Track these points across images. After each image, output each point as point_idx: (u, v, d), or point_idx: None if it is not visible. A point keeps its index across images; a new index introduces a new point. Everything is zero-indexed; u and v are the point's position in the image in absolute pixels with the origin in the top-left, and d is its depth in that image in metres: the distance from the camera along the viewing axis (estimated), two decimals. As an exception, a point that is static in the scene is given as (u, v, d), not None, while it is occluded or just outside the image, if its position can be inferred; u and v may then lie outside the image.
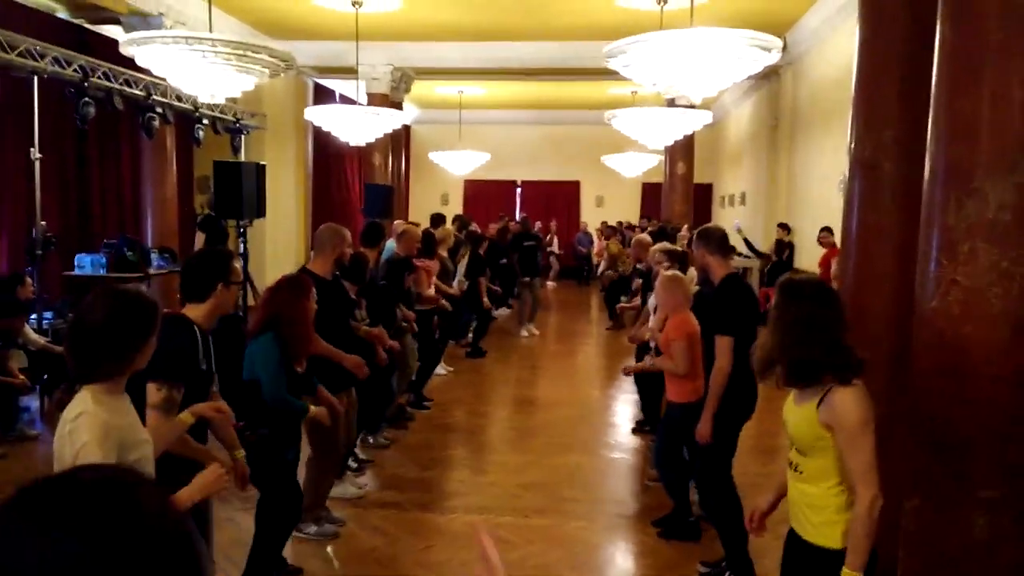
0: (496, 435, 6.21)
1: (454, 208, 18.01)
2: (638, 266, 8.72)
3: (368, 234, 5.42)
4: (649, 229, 10.00)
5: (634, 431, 6.23)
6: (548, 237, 17.65)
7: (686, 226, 10.06)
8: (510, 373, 8.71)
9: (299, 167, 12.87)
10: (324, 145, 13.33)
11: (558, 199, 20.41)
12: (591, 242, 18.57)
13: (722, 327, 3.47)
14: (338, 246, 4.06)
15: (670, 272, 4.18)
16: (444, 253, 7.82)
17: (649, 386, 4.99)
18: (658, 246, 5.62)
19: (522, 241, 10.81)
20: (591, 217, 19.75)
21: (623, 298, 12.02)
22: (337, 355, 3.93)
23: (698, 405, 3.66)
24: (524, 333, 10.47)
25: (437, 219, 8.82)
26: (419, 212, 17.81)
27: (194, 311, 2.60)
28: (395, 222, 7.23)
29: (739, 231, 11.17)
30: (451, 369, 8.26)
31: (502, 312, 12.63)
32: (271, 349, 3.20)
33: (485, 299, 9.22)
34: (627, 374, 4.39)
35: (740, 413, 3.54)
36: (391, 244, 6.50)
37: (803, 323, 2.07)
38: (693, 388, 3.88)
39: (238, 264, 2.70)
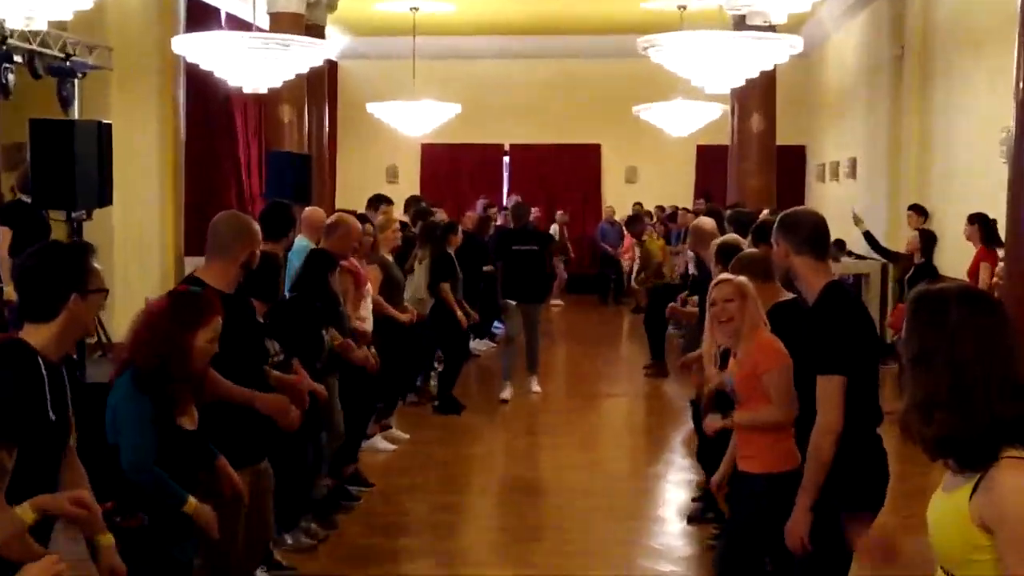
0: (475, 539, 6.30)
1: (406, 188, 18.01)
2: (690, 271, 8.87)
3: (269, 221, 5.45)
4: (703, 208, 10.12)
5: (691, 521, 6.33)
6: (553, 231, 17.75)
7: (766, 211, 10.07)
8: (497, 440, 8.85)
9: (165, 128, 12.74)
10: (204, 94, 13.35)
11: (569, 173, 20.57)
12: (620, 237, 18.78)
13: (827, 362, 3.50)
14: (247, 246, 4.22)
15: (741, 278, 4.23)
16: (387, 255, 7.86)
17: (714, 447, 4.97)
18: (721, 240, 5.72)
19: (512, 243, 10.12)
20: (620, 198, 19.92)
21: (671, 327, 12.10)
22: (247, 396, 4.12)
23: (793, 478, 3.70)
24: (505, 396, 9.94)
25: (376, 203, 8.89)
26: (353, 194, 17.89)
27: (37, 335, 2.65)
28: (309, 210, 7.16)
29: (858, 221, 11.00)
30: (406, 436, 8.28)
31: (481, 346, 12.70)
32: (137, 399, 3.28)
33: (459, 313, 9.30)
34: (711, 435, 4.41)
35: (859, 501, 3.53)
36: (301, 242, 6.58)
37: (970, 364, 2.04)
38: (787, 449, 3.92)
39: (98, 266, 2.81)
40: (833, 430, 3.48)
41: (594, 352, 13.51)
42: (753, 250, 5.11)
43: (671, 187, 19.36)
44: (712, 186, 17.75)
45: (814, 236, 3.72)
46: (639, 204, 18.48)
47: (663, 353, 11.38)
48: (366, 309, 6.80)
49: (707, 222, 7.18)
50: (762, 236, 5.47)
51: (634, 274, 15.99)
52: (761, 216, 8.72)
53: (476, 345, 12.46)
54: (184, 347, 3.37)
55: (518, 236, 10.19)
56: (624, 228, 16.92)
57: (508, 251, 10.10)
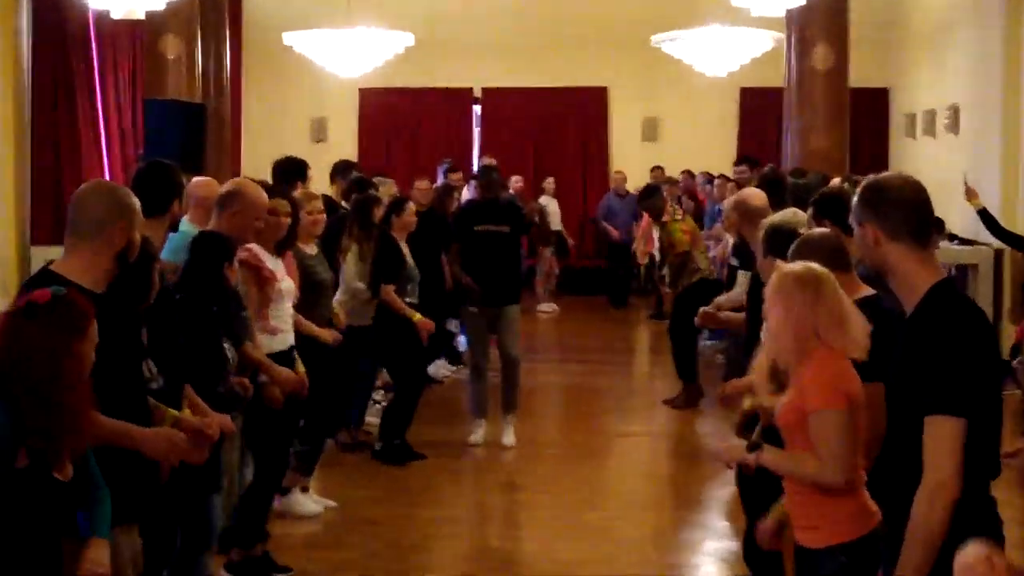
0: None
1: (339, 149, 18.00)
2: (732, 262, 8.86)
3: (143, 191, 5.34)
4: (754, 183, 9.95)
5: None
6: (533, 209, 17.74)
7: (838, 178, 9.99)
8: (464, 501, 8.89)
9: (2, 71, 12.74)
10: (58, 23, 13.21)
11: (564, 128, 20.67)
12: (634, 215, 18.74)
13: (943, 399, 3.53)
14: (124, 228, 4.30)
15: (789, 267, 4.22)
16: (310, 247, 7.78)
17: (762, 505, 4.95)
18: (774, 220, 5.70)
19: (473, 221, 9.94)
20: (635, 162, 19.92)
21: (705, 338, 11.88)
22: (126, 433, 4.23)
23: (865, 547, 3.87)
24: (474, 439, 9.90)
25: (290, 169, 8.66)
26: (264, 159, 17.74)
27: None
28: (196, 182, 7.04)
29: (972, 196, 10.79)
30: (331, 503, 8.26)
31: (443, 369, 12.68)
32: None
33: (416, 319, 9.23)
34: (746, 467, 4.43)
35: None
36: (185, 229, 6.53)
37: None
38: (856, 512, 4.03)
39: None
40: (948, 490, 3.50)
41: (598, 375, 13.51)
42: (822, 230, 5.09)
43: (705, 146, 19.42)
44: (761, 144, 17.74)
45: (916, 214, 3.72)
46: (659, 169, 18.40)
47: (695, 374, 11.41)
48: (279, 318, 6.77)
49: (754, 195, 7.16)
50: (829, 211, 5.44)
51: (657, 268, 15.93)
52: (831, 185, 8.68)
53: (436, 368, 12.43)
54: (61, 355, 3.65)
55: (483, 212, 9.94)
56: (640, 206, 16.63)
57: (468, 233, 9.91)
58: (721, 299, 8.52)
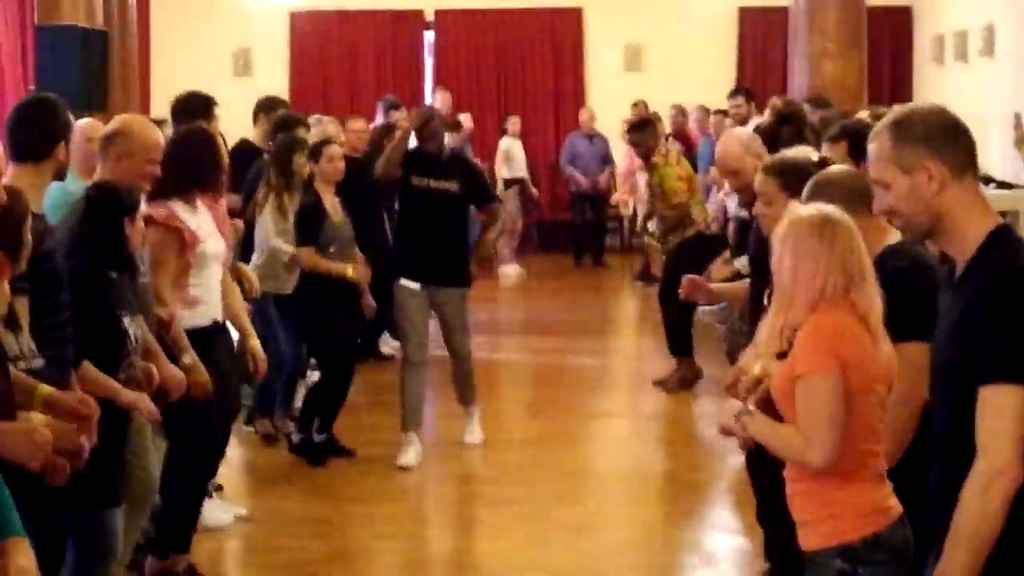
0: None
1: (267, 83, 17.83)
2: (734, 212, 8.78)
3: (21, 129, 5.36)
4: (758, 120, 9.85)
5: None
6: (504, 150, 17.67)
7: (866, 112, 9.89)
8: (410, 503, 8.79)
9: None
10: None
11: (532, 56, 20.71)
12: (604, 160, 18.62)
13: (1005, 363, 3.47)
14: None
15: (802, 210, 4.19)
16: (222, 201, 7.60)
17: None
18: (782, 157, 5.58)
19: (411, 176, 9.20)
20: (615, 96, 19.87)
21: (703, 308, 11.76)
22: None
23: (872, 550, 3.93)
24: (404, 462, 9.03)
25: (193, 107, 8.49)
26: (177, 93, 17.65)
27: None
28: (81, 124, 6.98)
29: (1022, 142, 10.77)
30: (240, 513, 8.07)
31: (388, 347, 12.61)
32: None
33: (349, 269, 9.00)
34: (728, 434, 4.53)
35: None
36: (70, 185, 6.40)
37: None
38: (862, 506, 4.03)
39: None
40: (1007, 478, 3.43)
41: (575, 352, 13.54)
42: (843, 166, 5.07)
43: (697, 77, 19.43)
44: (764, 74, 17.75)
45: (973, 147, 3.67)
46: (642, 104, 18.27)
47: (690, 347, 11.32)
48: (202, 287, 6.75)
49: (748, 136, 7.12)
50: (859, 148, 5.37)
51: (640, 219, 15.82)
52: (858, 118, 8.58)
53: (389, 345, 12.42)
54: None
55: (424, 164, 9.26)
56: (629, 142, 16.03)
57: (407, 191, 9.43)
58: (736, 263, 8.43)
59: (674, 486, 9.04)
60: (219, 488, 8.01)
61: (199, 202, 6.76)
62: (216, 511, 7.74)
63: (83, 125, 7.00)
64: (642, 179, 14.83)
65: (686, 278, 7.15)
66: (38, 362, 4.66)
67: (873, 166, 3.71)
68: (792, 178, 5.19)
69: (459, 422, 9.73)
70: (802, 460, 4.00)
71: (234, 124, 10.92)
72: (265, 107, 10.92)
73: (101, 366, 5.36)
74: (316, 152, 9.26)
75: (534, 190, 19.31)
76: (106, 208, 5.69)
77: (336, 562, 7.36)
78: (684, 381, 11.19)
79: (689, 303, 10.51)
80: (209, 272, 6.79)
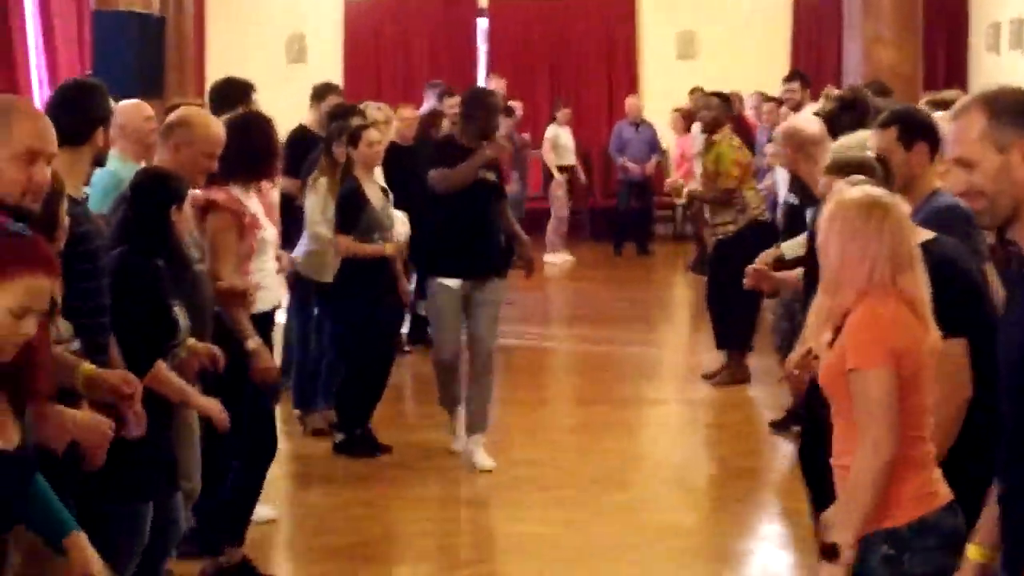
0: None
1: (320, 71, 17.84)
2: (789, 198, 8.63)
3: (61, 113, 5.29)
4: (815, 107, 9.74)
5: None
6: (552, 137, 17.59)
7: (925, 98, 9.75)
8: (461, 485, 8.69)
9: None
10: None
11: (585, 45, 20.67)
12: (651, 148, 18.70)
13: None
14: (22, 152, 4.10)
15: (851, 191, 4.13)
16: (273, 185, 7.64)
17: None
18: (844, 144, 5.59)
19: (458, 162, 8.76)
20: (668, 83, 19.90)
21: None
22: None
23: (920, 534, 3.89)
24: (458, 446, 8.95)
25: (229, 93, 8.50)
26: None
27: None
28: (125, 106, 6.93)
29: None
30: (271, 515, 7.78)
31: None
32: None
33: (388, 247, 8.73)
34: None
35: None
36: (115, 164, 6.45)
37: None
38: (907, 491, 3.97)
39: None
40: None
41: (620, 338, 13.52)
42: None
43: (751, 64, 19.33)
44: (819, 61, 17.66)
45: None
46: (699, 91, 18.10)
47: (740, 342, 10.98)
48: (262, 273, 6.72)
49: (807, 124, 7.02)
50: (919, 131, 5.33)
51: (684, 197, 15.46)
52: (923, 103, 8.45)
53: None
54: None
55: (464, 155, 8.83)
56: (702, 108, 14.77)
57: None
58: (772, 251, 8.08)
59: (724, 472, 9.03)
60: None
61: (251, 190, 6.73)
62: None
63: (136, 106, 7.00)
64: (697, 165, 14.73)
65: (750, 268, 7.12)
66: (75, 344, 4.64)
67: (958, 144, 3.47)
68: (855, 173, 5.02)
69: (505, 407, 9.81)
70: (871, 468, 3.89)
71: (287, 111, 10.92)
72: (321, 93, 10.94)
73: (150, 356, 5.28)
74: (354, 137, 8.95)
75: (583, 177, 19.23)
76: (152, 195, 5.63)
77: (386, 544, 7.46)
78: (733, 377, 10.92)
79: (743, 296, 9.92)
80: (267, 257, 6.79)
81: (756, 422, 9.95)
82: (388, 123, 10.51)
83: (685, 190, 12.75)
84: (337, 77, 18.78)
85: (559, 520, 7.70)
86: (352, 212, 8.72)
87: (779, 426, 9.34)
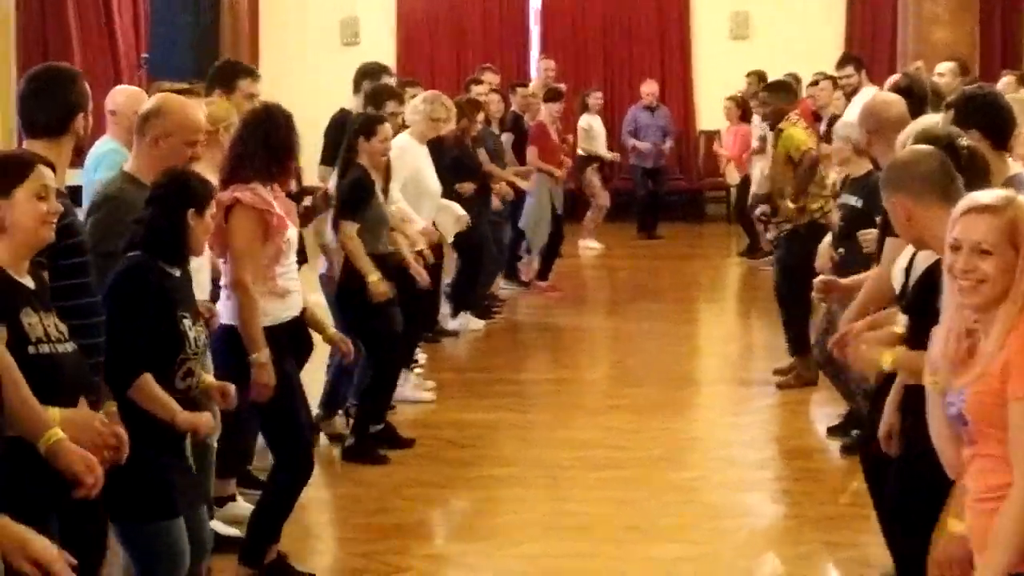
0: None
1: (373, 53, 17.68)
2: (850, 200, 8.27)
3: (36, 102, 5.25)
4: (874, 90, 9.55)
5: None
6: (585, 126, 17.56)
7: (1011, 77, 9.39)
8: (520, 465, 8.74)
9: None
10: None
11: (637, 27, 20.68)
12: (665, 132, 18.50)
13: None
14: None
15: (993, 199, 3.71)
16: (291, 185, 7.26)
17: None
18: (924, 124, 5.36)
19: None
20: (721, 65, 19.97)
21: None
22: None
23: None
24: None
25: (226, 73, 8.14)
26: (285, 65, 17.86)
27: None
28: (118, 89, 6.94)
29: None
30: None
31: (466, 323, 12.55)
32: None
33: (373, 277, 8.30)
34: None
35: None
36: (106, 146, 6.48)
37: None
38: None
39: None
40: None
41: (671, 318, 13.54)
42: (921, 149, 4.83)
43: (806, 45, 19.22)
44: (874, 40, 17.56)
45: None
46: (756, 75, 17.99)
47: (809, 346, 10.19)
48: (287, 276, 6.45)
49: (889, 101, 6.75)
50: (976, 115, 5.24)
51: (751, 198, 15.29)
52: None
53: (458, 321, 12.35)
54: None
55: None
56: (760, 102, 13.58)
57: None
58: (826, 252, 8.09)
59: (778, 453, 9.02)
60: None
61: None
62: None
63: (130, 95, 6.79)
64: (759, 164, 14.63)
65: (819, 280, 6.79)
66: (67, 346, 4.35)
67: None
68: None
69: (553, 387, 10.23)
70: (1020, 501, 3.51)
71: (341, 94, 10.94)
72: (366, 75, 10.65)
73: (155, 371, 4.97)
74: (368, 128, 8.58)
75: (608, 155, 18.46)
76: (171, 197, 5.18)
77: (443, 524, 7.58)
78: (801, 380, 10.20)
79: (801, 307, 10.05)
80: (291, 260, 6.48)
81: (809, 403, 9.93)
82: (448, 119, 10.32)
83: (758, 210, 12.39)
84: (390, 60, 18.88)
85: (612, 499, 7.75)
86: (359, 200, 8.41)
87: (836, 431, 8.88)
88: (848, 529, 7.14)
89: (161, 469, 4.94)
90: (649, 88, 19.22)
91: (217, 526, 6.42)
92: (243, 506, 7.15)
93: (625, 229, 18.91)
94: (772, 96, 11.22)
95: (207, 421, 5.14)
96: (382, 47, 19.50)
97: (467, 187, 11.37)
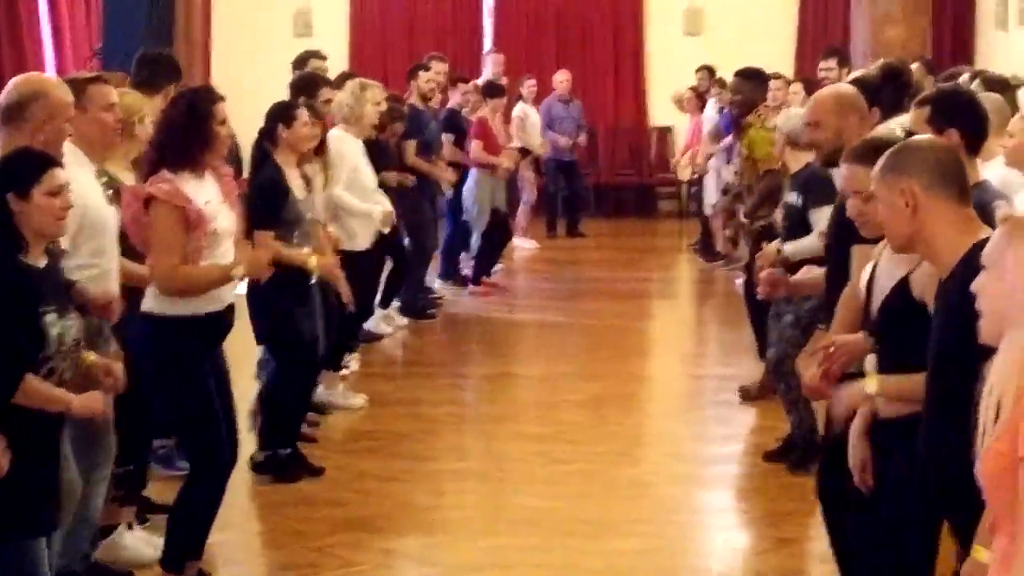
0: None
1: (325, 44, 17.54)
2: (791, 198, 8.03)
3: None
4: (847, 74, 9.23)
5: None
6: (519, 114, 17.16)
7: (965, 74, 9.19)
8: (473, 460, 8.86)
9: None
10: None
11: (590, 19, 20.65)
12: (579, 126, 18.43)
13: None
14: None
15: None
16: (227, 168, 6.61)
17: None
18: (864, 143, 5.06)
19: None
20: (673, 60, 19.91)
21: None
22: None
23: None
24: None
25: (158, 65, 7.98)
26: (237, 57, 17.82)
27: None
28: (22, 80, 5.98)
29: None
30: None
31: (383, 323, 12.19)
32: None
33: (311, 260, 7.82)
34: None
35: None
36: None
37: None
38: None
39: None
40: None
41: (624, 314, 13.61)
42: (931, 137, 4.66)
43: (757, 41, 19.21)
44: (824, 37, 17.64)
45: None
46: (705, 70, 18.00)
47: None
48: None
49: (845, 92, 6.35)
50: (954, 114, 5.05)
51: (711, 192, 15.20)
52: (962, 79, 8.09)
53: (378, 322, 11.89)
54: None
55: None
56: (731, 90, 12.72)
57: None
58: (787, 248, 7.59)
59: (730, 449, 8.97)
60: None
61: (207, 172, 6.08)
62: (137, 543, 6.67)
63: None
64: (713, 163, 14.74)
65: (763, 275, 6.39)
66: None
67: None
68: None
69: (513, 382, 10.18)
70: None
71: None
72: (299, 63, 10.77)
73: (13, 372, 4.59)
74: (287, 114, 8.06)
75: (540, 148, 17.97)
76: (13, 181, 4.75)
77: (396, 517, 7.49)
78: (766, 390, 9.46)
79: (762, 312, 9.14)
80: (222, 252, 6.10)
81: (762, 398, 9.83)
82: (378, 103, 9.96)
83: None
84: (343, 51, 18.88)
85: (569, 494, 7.78)
86: (272, 204, 7.80)
87: (773, 456, 8.27)
88: (799, 524, 7.19)
89: (32, 481, 4.57)
90: (563, 76, 18.63)
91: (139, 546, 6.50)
92: (131, 536, 6.70)
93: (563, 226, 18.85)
94: (743, 84, 10.98)
95: (99, 397, 4.91)
96: (335, 39, 19.41)
97: (391, 176, 11.03)
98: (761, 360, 9.61)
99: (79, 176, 5.51)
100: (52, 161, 4.78)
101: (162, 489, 7.18)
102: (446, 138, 13.21)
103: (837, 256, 5.51)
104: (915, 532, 4.39)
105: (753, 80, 10.96)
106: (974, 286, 3.19)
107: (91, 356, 5.03)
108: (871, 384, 4.48)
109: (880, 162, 4.18)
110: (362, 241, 9.54)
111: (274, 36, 18.69)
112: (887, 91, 7.01)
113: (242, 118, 8.87)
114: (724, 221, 14.20)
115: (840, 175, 5.15)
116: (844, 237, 5.29)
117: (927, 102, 5.25)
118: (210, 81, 15.52)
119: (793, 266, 7.06)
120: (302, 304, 7.91)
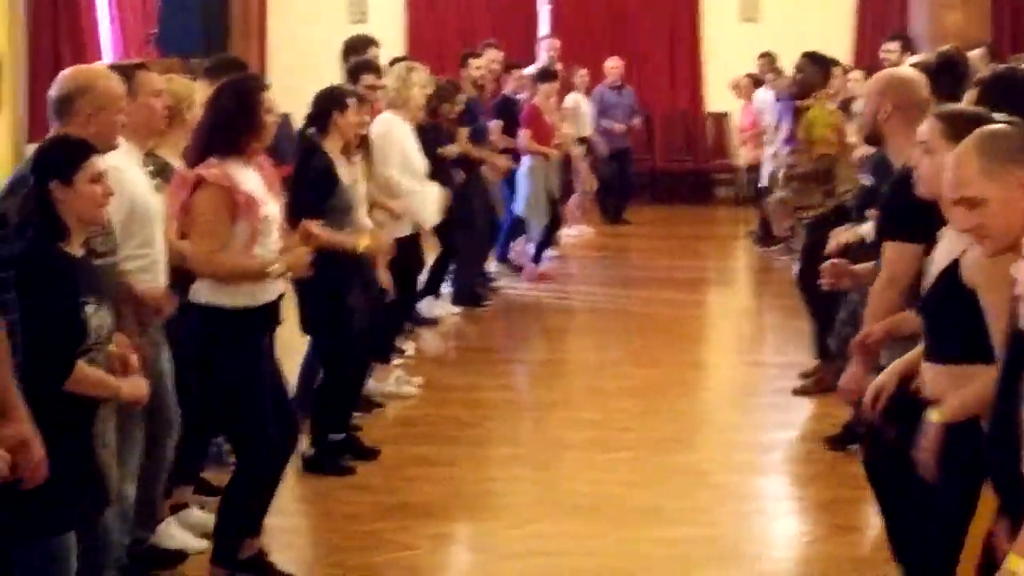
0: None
1: (381, 31, 17.64)
2: (866, 180, 7.77)
3: None
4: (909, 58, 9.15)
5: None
6: (571, 103, 17.12)
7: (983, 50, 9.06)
8: (526, 446, 8.85)
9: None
10: None
11: (646, 9, 20.62)
12: (632, 113, 18.35)
13: None
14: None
15: None
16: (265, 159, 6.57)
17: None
18: (951, 106, 4.96)
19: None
20: (729, 47, 19.91)
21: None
22: None
23: None
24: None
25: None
26: (293, 45, 17.82)
27: None
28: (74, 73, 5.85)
29: None
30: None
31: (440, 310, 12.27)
32: None
33: (362, 242, 7.78)
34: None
35: None
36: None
37: None
38: None
39: None
40: None
41: (680, 302, 13.61)
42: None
43: (815, 27, 19.06)
44: (883, 23, 17.52)
45: None
46: (767, 57, 17.81)
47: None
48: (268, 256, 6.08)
49: (918, 80, 5.90)
50: (1004, 95, 4.95)
51: (767, 177, 15.02)
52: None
53: (432, 307, 12.00)
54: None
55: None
56: (795, 69, 12.14)
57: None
58: (863, 229, 7.10)
59: (787, 436, 8.92)
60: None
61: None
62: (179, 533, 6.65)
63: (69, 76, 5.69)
64: (770, 147, 14.59)
65: (826, 265, 6.13)
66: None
67: None
68: (962, 127, 4.13)
69: (566, 368, 10.21)
70: None
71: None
72: (352, 49, 10.61)
73: (61, 365, 4.60)
74: (341, 101, 7.92)
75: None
76: (34, 171, 4.78)
77: (449, 503, 7.50)
78: (821, 384, 9.37)
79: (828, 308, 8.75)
80: (271, 240, 6.08)
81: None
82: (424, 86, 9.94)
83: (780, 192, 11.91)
84: (399, 38, 18.88)
85: (623, 481, 7.74)
86: (323, 192, 7.72)
87: (835, 442, 8.28)
88: (857, 512, 7.18)
89: (57, 478, 4.42)
90: (613, 63, 18.66)
91: (187, 539, 6.50)
92: (197, 515, 6.80)
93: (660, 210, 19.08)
94: (809, 66, 10.85)
95: (143, 383, 4.98)
96: (390, 25, 19.51)
97: (451, 150, 11.10)
98: (817, 356, 9.61)
99: (126, 165, 5.56)
100: (91, 148, 4.77)
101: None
102: (495, 125, 13.14)
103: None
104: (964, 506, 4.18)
105: (819, 64, 10.88)
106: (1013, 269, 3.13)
107: (111, 347, 4.92)
108: (935, 415, 4.30)
109: (964, 143, 3.83)
110: (405, 227, 9.46)
111: (329, 22, 18.70)
112: (944, 80, 6.72)
113: (297, 104, 8.86)
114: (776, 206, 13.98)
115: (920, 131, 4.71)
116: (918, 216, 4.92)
117: (979, 83, 5.21)
118: (265, 66, 15.63)
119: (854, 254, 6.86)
120: (353, 291, 7.84)
